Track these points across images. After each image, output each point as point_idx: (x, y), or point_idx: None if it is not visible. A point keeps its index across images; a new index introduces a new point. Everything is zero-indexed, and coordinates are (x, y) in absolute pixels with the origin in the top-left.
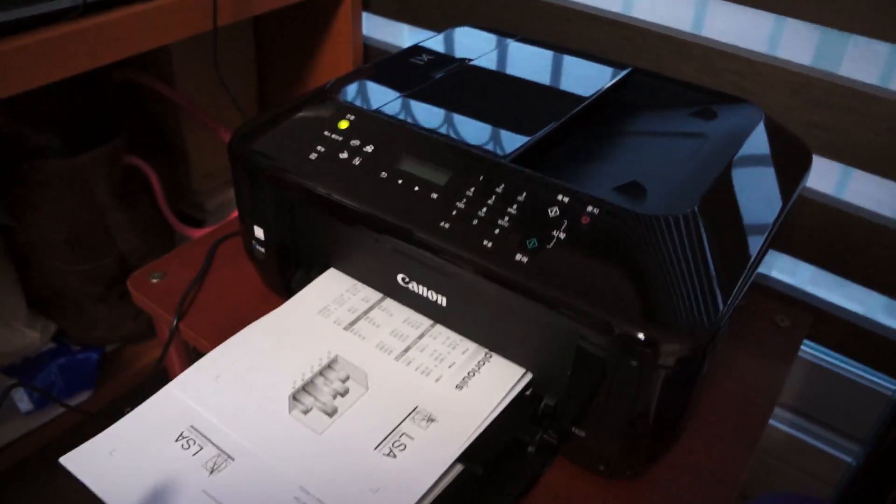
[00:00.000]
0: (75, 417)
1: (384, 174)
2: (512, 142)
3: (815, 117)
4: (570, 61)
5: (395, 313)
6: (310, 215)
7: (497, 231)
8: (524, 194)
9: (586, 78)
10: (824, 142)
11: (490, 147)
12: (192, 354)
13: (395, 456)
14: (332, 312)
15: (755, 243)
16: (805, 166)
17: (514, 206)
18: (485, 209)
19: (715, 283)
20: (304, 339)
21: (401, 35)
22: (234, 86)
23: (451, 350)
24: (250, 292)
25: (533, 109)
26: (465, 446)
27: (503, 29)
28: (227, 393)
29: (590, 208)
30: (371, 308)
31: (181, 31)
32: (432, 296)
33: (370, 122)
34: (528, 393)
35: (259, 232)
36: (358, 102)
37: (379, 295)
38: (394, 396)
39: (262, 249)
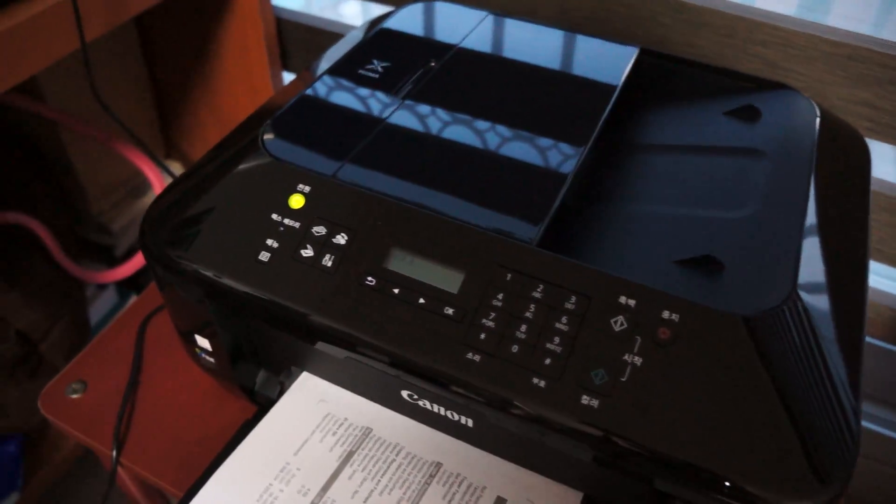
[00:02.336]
0: None
1: (370, 280)
2: (537, 205)
3: (864, 94)
4: (565, 45)
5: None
6: (274, 332)
7: (548, 361)
8: (573, 300)
9: (591, 67)
10: (877, 123)
11: (510, 223)
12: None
13: None
14: (307, 456)
15: (859, 315)
16: (866, 167)
17: (564, 320)
18: (524, 327)
19: (844, 397)
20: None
21: None
22: (123, 94)
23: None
24: (202, 394)
25: (546, 131)
26: None
27: None
28: None
29: (666, 314)
30: (364, 438)
31: (44, 57)
32: (453, 416)
33: (334, 196)
34: None
35: (203, 342)
36: (310, 162)
37: (371, 410)
38: None
39: (211, 359)
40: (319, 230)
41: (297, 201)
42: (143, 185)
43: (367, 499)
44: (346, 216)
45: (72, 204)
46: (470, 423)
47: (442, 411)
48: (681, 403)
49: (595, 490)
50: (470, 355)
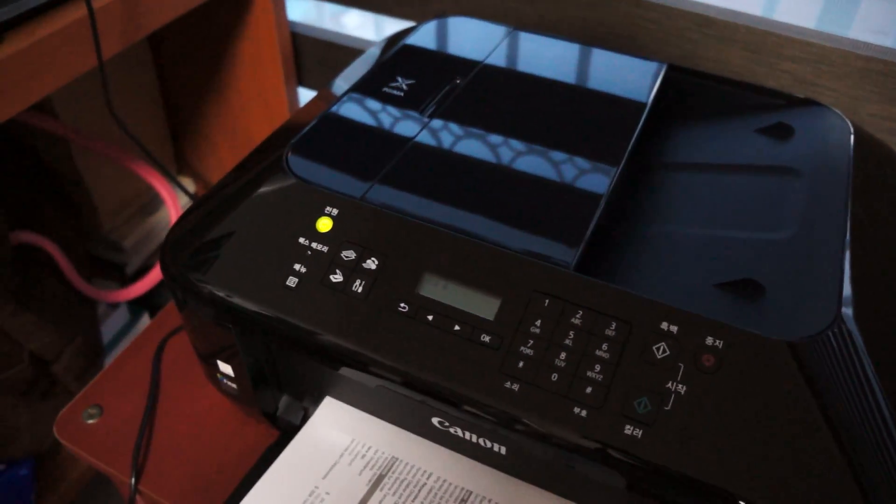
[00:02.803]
0: None
1: (402, 306)
2: (573, 228)
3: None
4: (591, 62)
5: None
6: (300, 358)
7: (589, 389)
8: (613, 326)
9: (619, 85)
10: None
11: (546, 246)
12: None
13: None
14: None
15: None
16: None
17: (604, 347)
18: (563, 355)
19: (894, 425)
20: None
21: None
22: (135, 111)
23: None
24: (221, 419)
25: (577, 152)
26: None
27: (485, 15)
28: None
29: (710, 340)
30: (393, 462)
31: (61, 76)
32: (486, 443)
33: (363, 219)
34: None
35: (225, 368)
36: (337, 184)
37: (400, 436)
38: None
39: (233, 385)
40: (349, 254)
41: (324, 224)
42: (154, 202)
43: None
44: (376, 240)
45: (83, 221)
46: (503, 450)
47: (474, 439)
48: (727, 433)
49: None
50: (508, 384)
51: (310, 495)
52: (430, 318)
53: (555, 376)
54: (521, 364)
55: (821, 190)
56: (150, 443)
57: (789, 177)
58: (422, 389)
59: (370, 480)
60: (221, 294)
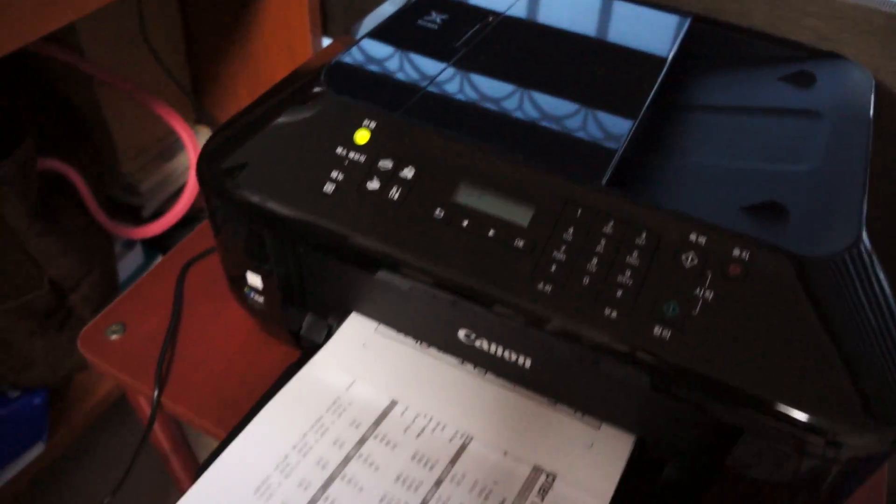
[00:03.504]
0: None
1: (438, 212)
2: (602, 152)
3: None
4: (616, 9)
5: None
6: (331, 266)
7: (619, 293)
8: (643, 236)
9: (645, 34)
10: None
11: (578, 164)
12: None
13: None
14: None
15: None
16: None
17: (635, 254)
18: (595, 261)
19: None
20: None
21: None
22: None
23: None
24: (244, 336)
25: (603, 93)
26: None
27: None
28: None
29: (737, 251)
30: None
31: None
32: (510, 356)
33: (400, 133)
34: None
35: (254, 279)
36: (375, 100)
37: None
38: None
39: (260, 299)
40: (385, 164)
41: (362, 136)
42: (173, 147)
43: (419, 434)
44: (412, 152)
45: (102, 162)
46: (528, 363)
47: (499, 352)
48: (751, 338)
49: (650, 432)
50: (541, 286)
51: (333, 403)
52: (465, 223)
53: (586, 280)
54: (553, 268)
55: (842, 129)
56: (172, 359)
57: (812, 118)
58: (455, 291)
59: (392, 393)
60: (257, 199)
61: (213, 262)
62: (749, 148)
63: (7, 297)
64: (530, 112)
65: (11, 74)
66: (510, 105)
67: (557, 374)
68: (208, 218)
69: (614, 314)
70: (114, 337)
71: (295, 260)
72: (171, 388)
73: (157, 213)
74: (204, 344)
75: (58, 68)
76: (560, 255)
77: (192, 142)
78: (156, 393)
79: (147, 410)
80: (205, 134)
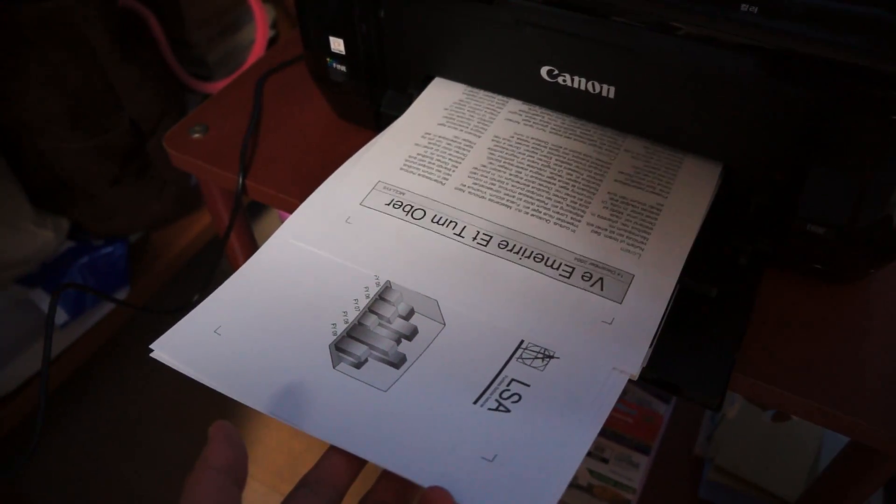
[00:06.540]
0: (115, 325)
1: None
2: None
3: None
4: None
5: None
6: (416, 13)
7: None
8: None
9: None
10: None
11: None
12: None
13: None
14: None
15: None
16: None
17: None
18: None
19: None
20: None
21: None
22: None
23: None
24: (322, 130)
25: None
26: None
27: None
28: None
29: None
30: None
31: None
32: (594, 87)
33: None
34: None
35: (337, 44)
36: None
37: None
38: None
39: (342, 68)
40: None
41: None
42: (241, 18)
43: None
44: None
45: (170, 31)
46: (612, 92)
47: (582, 85)
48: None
49: (736, 159)
50: None
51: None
52: None
53: None
54: None
55: None
56: (255, 151)
57: None
58: None
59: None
60: None
61: (290, 75)
62: None
63: (88, 135)
64: None
65: None
66: None
67: (641, 103)
68: None
69: None
70: (197, 135)
71: (375, 13)
72: (252, 175)
73: None
74: (284, 137)
75: None
76: None
77: (261, 13)
78: (240, 177)
79: (226, 218)
80: (270, 10)
